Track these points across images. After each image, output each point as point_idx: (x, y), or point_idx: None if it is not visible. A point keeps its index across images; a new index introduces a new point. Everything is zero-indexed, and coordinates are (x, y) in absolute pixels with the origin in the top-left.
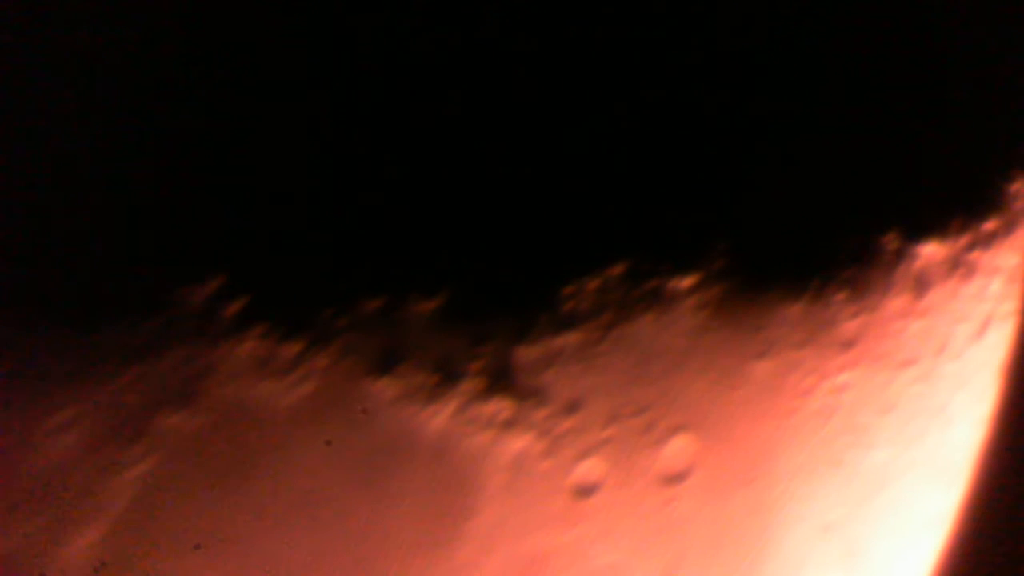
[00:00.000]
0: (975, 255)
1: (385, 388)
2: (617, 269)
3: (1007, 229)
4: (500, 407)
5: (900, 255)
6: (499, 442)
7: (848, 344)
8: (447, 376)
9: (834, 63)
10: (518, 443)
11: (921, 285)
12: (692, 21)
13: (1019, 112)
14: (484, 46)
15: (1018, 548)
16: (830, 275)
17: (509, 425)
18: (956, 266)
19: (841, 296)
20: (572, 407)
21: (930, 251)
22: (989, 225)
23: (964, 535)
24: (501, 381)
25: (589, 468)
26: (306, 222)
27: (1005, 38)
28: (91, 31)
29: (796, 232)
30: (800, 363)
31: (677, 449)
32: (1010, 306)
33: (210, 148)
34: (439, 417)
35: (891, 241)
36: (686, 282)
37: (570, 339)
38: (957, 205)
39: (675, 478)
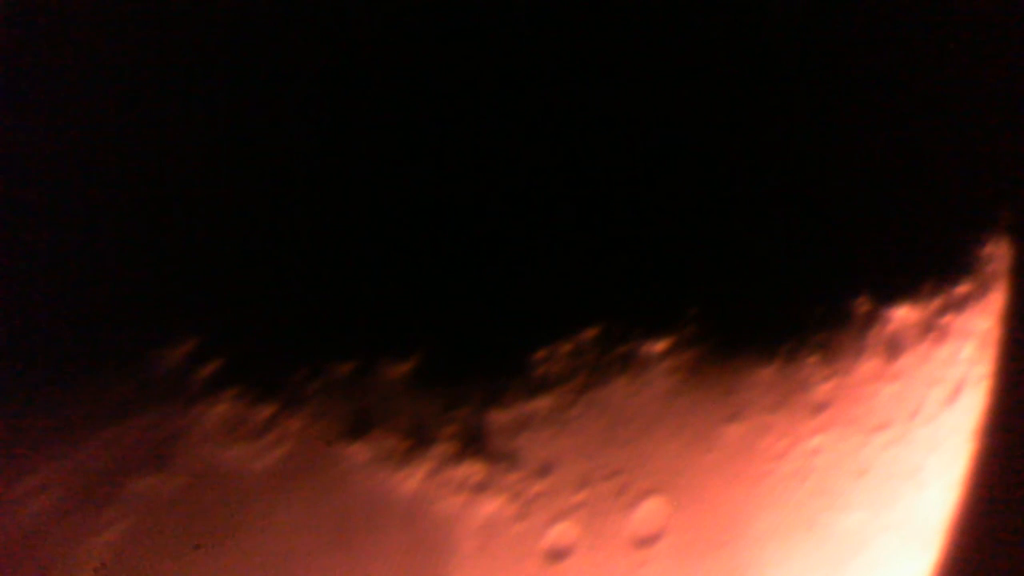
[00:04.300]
0: (948, 319)
1: (357, 451)
2: (589, 333)
3: (980, 293)
4: (472, 471)
5: (872, 318)
6: (471, 506)
7: (820, 407)
8: (419, 440)
9: (803, 128)
10: (490, 506)
11: (893, 349)
12: (661, 82)
13: (991, 175)
14: (457, 107)
15: None
16: (801, 339)
17: (481, 489)
18: (928, 330)
19: (813, 359)
20: (544, 471)
21: (902, 315)
22: (962, 289)
23: None
24: (473, 445)
25: (561, 532)
26: (279, 285)
27: (977, 104)
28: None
29: (768, 296)
30: (772, 426)
31: (649, 512)
32: (983, 370)
33: (182, 209)
34: (411, 481)
35: (863, 304)
36: (658, 346)
37: (542, 403)
38: (929, 268)
39: (647, 541)
